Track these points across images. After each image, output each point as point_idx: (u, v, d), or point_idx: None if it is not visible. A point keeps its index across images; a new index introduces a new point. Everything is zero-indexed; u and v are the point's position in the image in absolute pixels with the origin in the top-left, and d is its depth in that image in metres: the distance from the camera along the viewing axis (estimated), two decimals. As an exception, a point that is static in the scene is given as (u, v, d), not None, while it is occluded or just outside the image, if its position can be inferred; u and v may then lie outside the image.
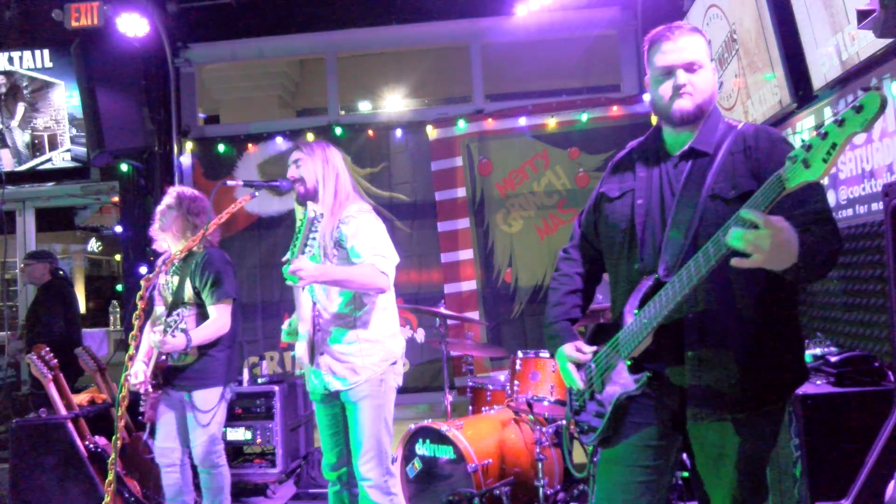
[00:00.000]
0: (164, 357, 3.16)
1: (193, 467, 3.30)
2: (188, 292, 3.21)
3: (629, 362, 1.82)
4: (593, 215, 2.07)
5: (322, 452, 2.88)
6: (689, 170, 1.82)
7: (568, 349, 1.99)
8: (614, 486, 1.87)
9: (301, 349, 2.77)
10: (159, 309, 3.27)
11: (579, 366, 1.98)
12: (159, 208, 3.29)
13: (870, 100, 1.31)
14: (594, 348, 1.95)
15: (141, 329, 3.09)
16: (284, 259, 2.42)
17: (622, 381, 1.85)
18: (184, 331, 3.07)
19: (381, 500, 2.67)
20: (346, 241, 2.67)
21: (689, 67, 1.80)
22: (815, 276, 1.62)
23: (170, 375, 3.20)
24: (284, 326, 2.94)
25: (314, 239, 2.40)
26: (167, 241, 3.30)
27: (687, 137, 1.85)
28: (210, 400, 3.20)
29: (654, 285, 1.78)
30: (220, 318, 3.19)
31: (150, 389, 3.15)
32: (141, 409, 3.20)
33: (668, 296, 1.68)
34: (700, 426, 1.78)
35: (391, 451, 2.75)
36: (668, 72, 1.81)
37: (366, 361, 2.67)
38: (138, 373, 3.13)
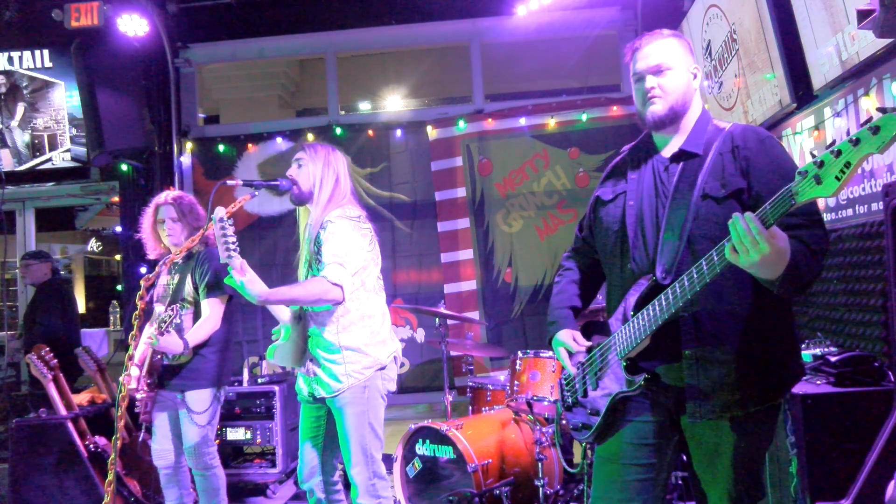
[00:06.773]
0: (158, 356, 3.16)
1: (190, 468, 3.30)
2: (188, 289, 3.22)
3: (625, 363, 1.83)
4: (590, 219, 2.11)
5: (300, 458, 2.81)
6: (680, 171, 1.84)
7: (564, 335, 2.01)
8: (610, 485, 1.88)
9: (280, 355, 2.73)
10: (159, 308, 3.27)
11: (573, 355, 1.99)
12: (165, 225, 3.24)
13: (887, 121, 1.29)
14: (590, 343, 1.97)
15: (140, 329, 3.09)
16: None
17: (619, 381, 1.86)
18: (179, 329, 3.06)
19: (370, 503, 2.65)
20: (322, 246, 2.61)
21: (657, 71, 1.84)
22: (795, 292, 1.64)
23: (163, 376, 3.19)
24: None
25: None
26: (171, 248, 3.30)
27: (671, 139, 1.89)
28: (202, 401, 3.19)
29: (651, 286, 1.78)
30: (213, 314, 3.18)
31: (146, 390, 3.14)
32: (137, 411, 3.20)
33: (669, 300, 1.68)
34: (696, 424, 1.79)
35: (379, 454, 2.69)
36: (640, 78, 1.88)
37: (348, 369, 2.61)
38: (131, 376, 3.12)
